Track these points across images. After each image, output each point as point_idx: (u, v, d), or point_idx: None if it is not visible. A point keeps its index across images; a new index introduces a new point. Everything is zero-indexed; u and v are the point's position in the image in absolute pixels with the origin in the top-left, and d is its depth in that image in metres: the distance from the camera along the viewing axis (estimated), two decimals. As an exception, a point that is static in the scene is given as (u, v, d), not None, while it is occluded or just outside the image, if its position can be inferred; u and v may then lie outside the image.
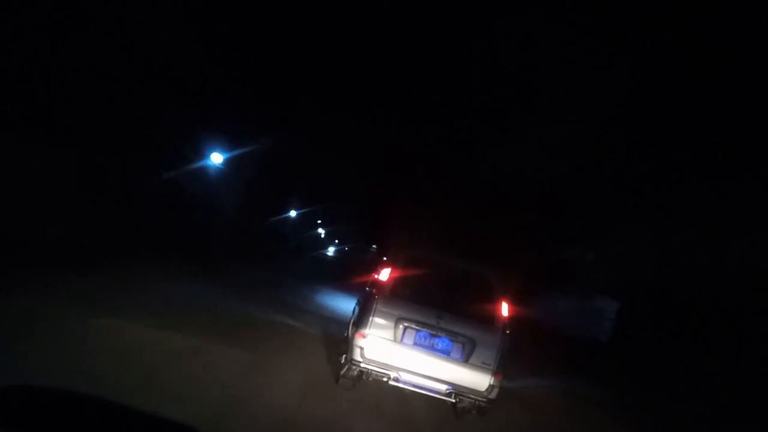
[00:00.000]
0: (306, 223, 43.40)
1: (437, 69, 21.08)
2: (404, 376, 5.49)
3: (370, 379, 5.60)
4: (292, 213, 36.99)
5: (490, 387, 5.48)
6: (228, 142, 19.87)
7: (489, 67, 19.94)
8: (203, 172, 19.67)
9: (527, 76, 19.42)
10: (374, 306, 5.56)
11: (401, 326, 5.53)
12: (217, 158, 19.40)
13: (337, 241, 65.75)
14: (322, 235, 59.41)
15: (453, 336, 5.54)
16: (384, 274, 5.73)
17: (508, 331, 5.65)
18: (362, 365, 5.50)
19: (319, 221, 50.23)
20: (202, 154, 18.97)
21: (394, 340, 5.51)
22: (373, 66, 22.20)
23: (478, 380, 5.47)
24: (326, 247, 61.54)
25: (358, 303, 6.69)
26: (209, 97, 17.67)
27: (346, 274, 20.11)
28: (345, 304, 12.34)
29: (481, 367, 5.49)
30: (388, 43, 20.02)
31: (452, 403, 5.70)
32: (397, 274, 5.72)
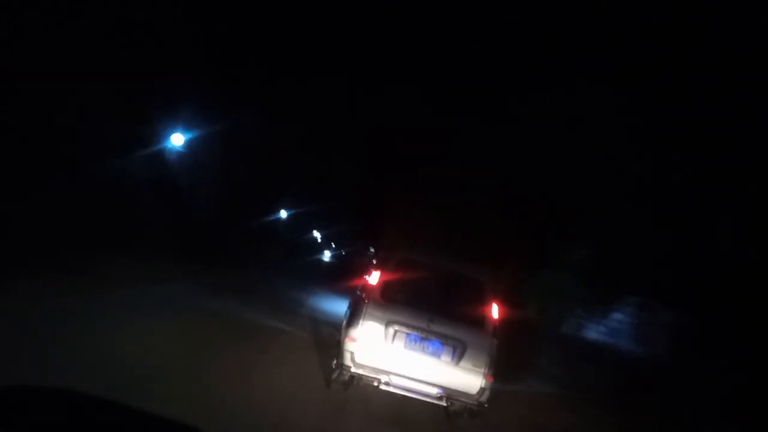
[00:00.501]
0: (300, 225, 41.68)
1: (433, 63, 21.15)
2: (395, 380, 5.47)
3: (362, 383, 5.58)
4: (283, 213, 33.33)
5: (481, 390, 5.46)
6: (224, 138, 19.88)
7: (485, 62, 19.95)
8: (204, 169, 19.67)
9: (524, 71, 19.39)
10: (364, 309, 5.55)
11: (391, 330, 5.51)
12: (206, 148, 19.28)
13: (334, 245, 63.50)
14: (319, 239, 57.99)
15: (443, 339, 5.52)
16: (374, 277, 5.72)
17: (497, 337, 5.63)
18: (352, 370, 5.48)
19: (313, 222, 48.09)
20: (197, 148, 18.86)
21: (385, 344, 5.49)
22: (370, 60, 22.28)
23: (469, 383, 5.46)
24: (322, 252, 58.67)
25: (349, 307, 6.67)
26: (204, 92, 17.62)
27: (343, 277, 20.07)
28: (339, 307, 12.34)
29: (471, 370, 5.47)
30: (384, 37, 20.06)
31: (444, 406, 5.68)
32: (387, 276, 5.71)
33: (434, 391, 5.48)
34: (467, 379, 5.46)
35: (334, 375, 5.70)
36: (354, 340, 5.49)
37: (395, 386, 5.49)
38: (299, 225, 41.04)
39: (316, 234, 54.14)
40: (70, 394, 1.94)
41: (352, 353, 5.47)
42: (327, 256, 59.66)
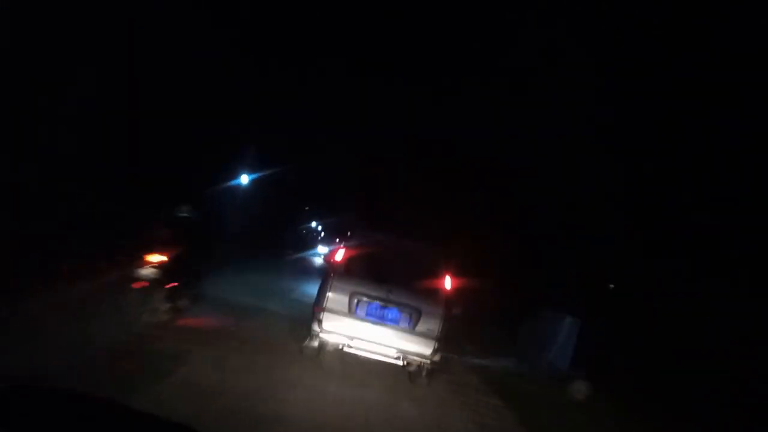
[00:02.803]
0: (293, 212, 37.03)
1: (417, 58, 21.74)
2: (358, 344, 6.22)
3: (328, 347, 6.34)
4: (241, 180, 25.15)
5: (434, 351, 6.21)
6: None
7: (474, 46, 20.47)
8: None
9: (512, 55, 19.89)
10: (330, 282, 6.30)
11: (355, 299, 6.26)
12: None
13: (338, 239, 57.73)
14: (320, 231, 54.28)
15: (401, 307, 6.27)
16: (339, 254, 6.47)
17: (449, 305, 6.37)
18: (321, 336, 6.23)
19: (307, 208, 43.52)
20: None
21: (349, 312, 6.24)
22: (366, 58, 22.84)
23: (424, 345, 6.20)
24: (316, 246, 48.31)
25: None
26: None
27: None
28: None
29: (426, 333, 6.22)
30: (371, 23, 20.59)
31: (403, 366, 6.42)
32: (351, 253, 6.46)
33: (393, 352, 6.23)
34: (422, 341, 6.20)
35: (306, 342, 6.45)
36: (322, 310, 6.24)
37: (359, 349, 6.25)
38: (291, 211, 35.73)
39: (315, 224, 50.95)
40: (70, 394, 1.89)
41: (320, 321, 6.22)
42: (324, 251, 42.64)
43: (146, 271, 6.12)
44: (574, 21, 17.99)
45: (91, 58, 15.02)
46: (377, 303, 6.27)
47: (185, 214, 7.29)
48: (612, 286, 15.65)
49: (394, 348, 6.23)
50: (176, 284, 6.60)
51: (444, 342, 6.25)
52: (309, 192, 36.05)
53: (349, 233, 6.93)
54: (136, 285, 6.08)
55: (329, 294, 6.26)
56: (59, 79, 13.87)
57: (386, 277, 6.39)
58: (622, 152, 18.75)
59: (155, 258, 6.22)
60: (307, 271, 23.79)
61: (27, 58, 12.45)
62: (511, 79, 19.62)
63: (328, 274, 6.52)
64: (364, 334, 6.22)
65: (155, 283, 6.19)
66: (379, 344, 6.22)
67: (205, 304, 7.97)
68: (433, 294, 6.40)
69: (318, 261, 34.05)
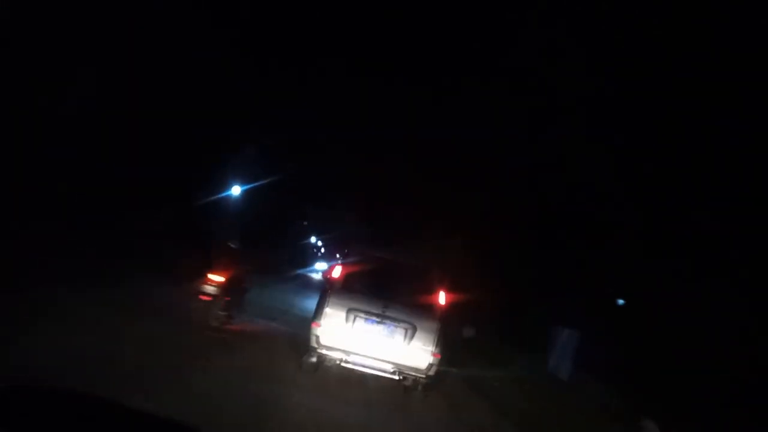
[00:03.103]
0: (291, 217, 35.52)
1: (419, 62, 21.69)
2: (355, 359, 6.32)
3: (325, 362, 6.44)
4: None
5: (429, 366, 6.30)
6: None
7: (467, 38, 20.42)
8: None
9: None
10: (328, 299, 6.39)
11: (352, 315, 6.35)
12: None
13: (337, 254, 48.36)
14: (320, 247, 50.66)
15: (396, 322, 6.36)
16: (336, 271, 6.55)
17: (443, 320, 6.45)
18: (318, 351, 6.33)
19: (305, 223, 41.65)
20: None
21: (346, 328, 6.33)
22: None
23: (419, 360, 6.30)
24: (315, 262, 43.71)
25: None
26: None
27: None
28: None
29: (421, 348, 6.31)
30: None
31: (398, 380, 6.52)
32: (348, 270, 6.54)
33: (389, 367, 6.33)
34: (417, 356, 6.29)
35: (304, 357, 6.56)
36: (319, 326, 6.33)
37: (355, 364, 6.35)
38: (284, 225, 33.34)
39: (314, 240, 47.74)
40: (70, 394, 1.91)
41: (317, 336, 6.32)
42: (322, 269, 37.30)
43: (210, 288, 7.89)
44: (574, 21, 17.95)
45: (91, 58, 15.05)
46: (374, 318, 6.36)
47: (235, 246, 9.25)
48: (622, 302, 15.49)
49: (390, 362, 6.32)
50: (229, 299, 8.33)
51: (440, 356, 6.34)
52: (308, 193, 35.01)
53: (346, 250, 7.01)
54: (202, 297, 7.91)
55: (327, 309, 6.35)
56: (59, 79, 14.00)
57: (382, 293, 6.48)
58: (622, 152, 18.78)
59: (216, 278, 7.96)
60: (306, 285, 24.75)
61: (27, 58, 12.60)
62: (511, 79, 19.53)
63: (325, 290, 6.62)
64: (361, 349, 6.31)
65: (215, 297, 7.96)
66: (376, 359, 6.32)
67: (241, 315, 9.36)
68: (429, 309, 6.49)
69: (317, 277, 33.23)
